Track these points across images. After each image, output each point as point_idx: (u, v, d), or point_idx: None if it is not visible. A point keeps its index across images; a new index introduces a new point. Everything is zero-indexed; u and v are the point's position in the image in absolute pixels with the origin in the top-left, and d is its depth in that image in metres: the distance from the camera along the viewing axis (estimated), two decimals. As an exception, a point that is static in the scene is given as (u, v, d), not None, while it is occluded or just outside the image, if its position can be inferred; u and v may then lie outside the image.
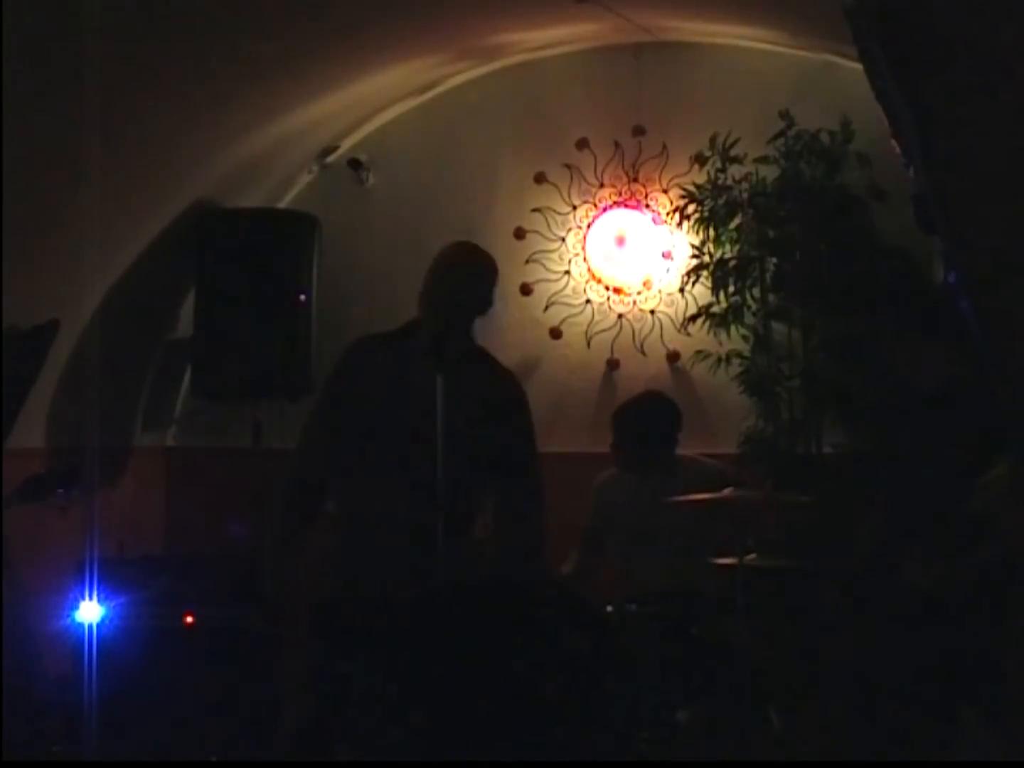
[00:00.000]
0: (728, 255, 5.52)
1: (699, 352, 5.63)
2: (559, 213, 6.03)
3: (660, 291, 5.93)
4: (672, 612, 4.39)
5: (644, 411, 5.15)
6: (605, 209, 6.00)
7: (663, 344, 5.92)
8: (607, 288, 5.99)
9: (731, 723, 4.18)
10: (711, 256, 5.56)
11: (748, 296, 5.49)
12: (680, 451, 5.17)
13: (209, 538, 5.59)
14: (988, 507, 3.59)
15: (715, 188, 5.56)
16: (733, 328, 5.53)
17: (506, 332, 6.08)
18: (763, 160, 5.52)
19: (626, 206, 5.98)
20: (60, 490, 4.11)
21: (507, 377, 4.10)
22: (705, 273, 5.58)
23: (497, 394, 3.95)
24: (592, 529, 5.23)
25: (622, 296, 5.98)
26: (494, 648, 3.76)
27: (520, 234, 6.05)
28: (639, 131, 5.91)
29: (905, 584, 3.90)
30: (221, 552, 5.38)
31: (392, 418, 3.84)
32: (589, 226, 6.01)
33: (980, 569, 3.53)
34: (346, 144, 6.18)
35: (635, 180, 5.96)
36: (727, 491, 4.51)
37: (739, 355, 5.53)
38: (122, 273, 5.31)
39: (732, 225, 5.53)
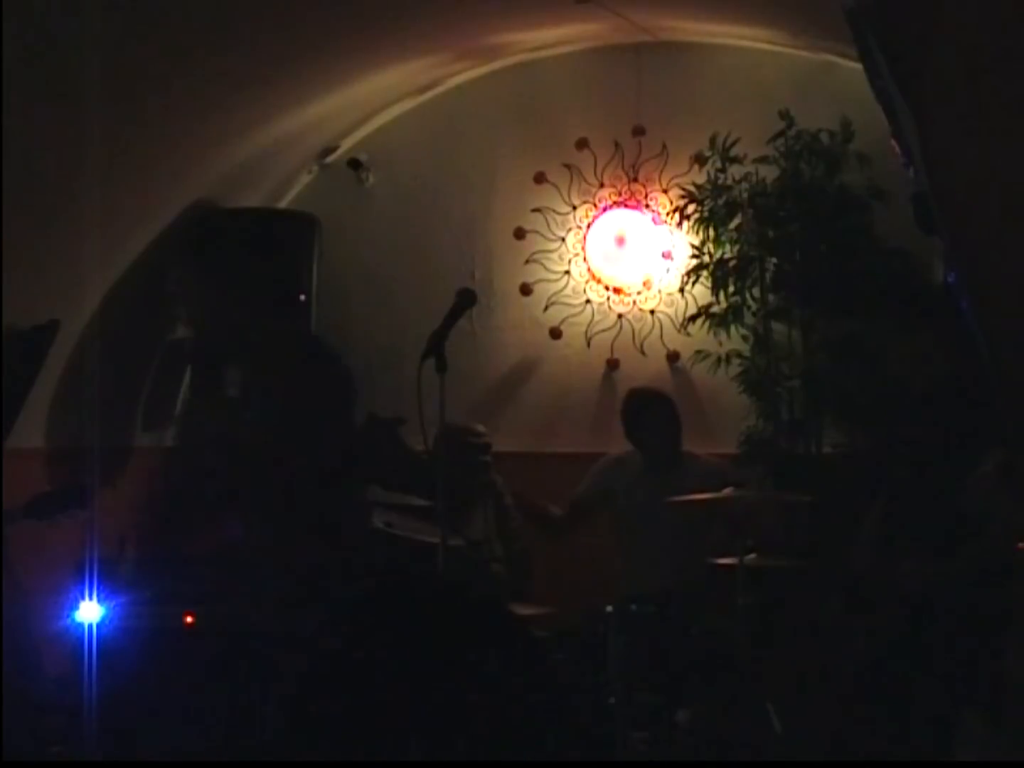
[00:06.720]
0: (728, 255, 5.52)
1: (699, 352, 5.62)
2: (559, 213, 6.03)
3: (660, 291, 5.93)
4: (672, 612, 4.40)
5: (647, 402, 5.22)
6: (605, 209, 5.99)
7: (663, 344, 5.91)
8: (607, 288, 5.99)
9: (731, 723, 4.18)
10: (711, 256, 5.56)
11: (748, 296, 5.48)
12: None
13: (209, 538, 5.58)
14: (977, 503, 3.60)
15: (715, 188, 5.55)
16: (733, 328, 5.53)
17: (506, 332, 6.08)
18: (763, 160, 5.51)
19: (626, 206, 5.98)
20: (69, 510, 4.12)
21: None
22: (705, 273, 5.58)
23: None
24: (584, 497, 5.27)
25: (622, 296, 5.98)
26: (487, 650, 3.76)
27: (520, 234, 6.04)
28: (639, 131, 5.90)
29: (903, 584, 3.91)
30: (221, 552, 5.37)
31: None
32: (589, 226, 6.01)
33: (974, 566, 3.53)
34: (346, 144, 6.18)
35: (635, 180, 5.96)
36: (727, 491, 4.51)
37: (739, 355, 5.52)
38: (122, 273, 5.31)
39: (732, 225, 5.53)
